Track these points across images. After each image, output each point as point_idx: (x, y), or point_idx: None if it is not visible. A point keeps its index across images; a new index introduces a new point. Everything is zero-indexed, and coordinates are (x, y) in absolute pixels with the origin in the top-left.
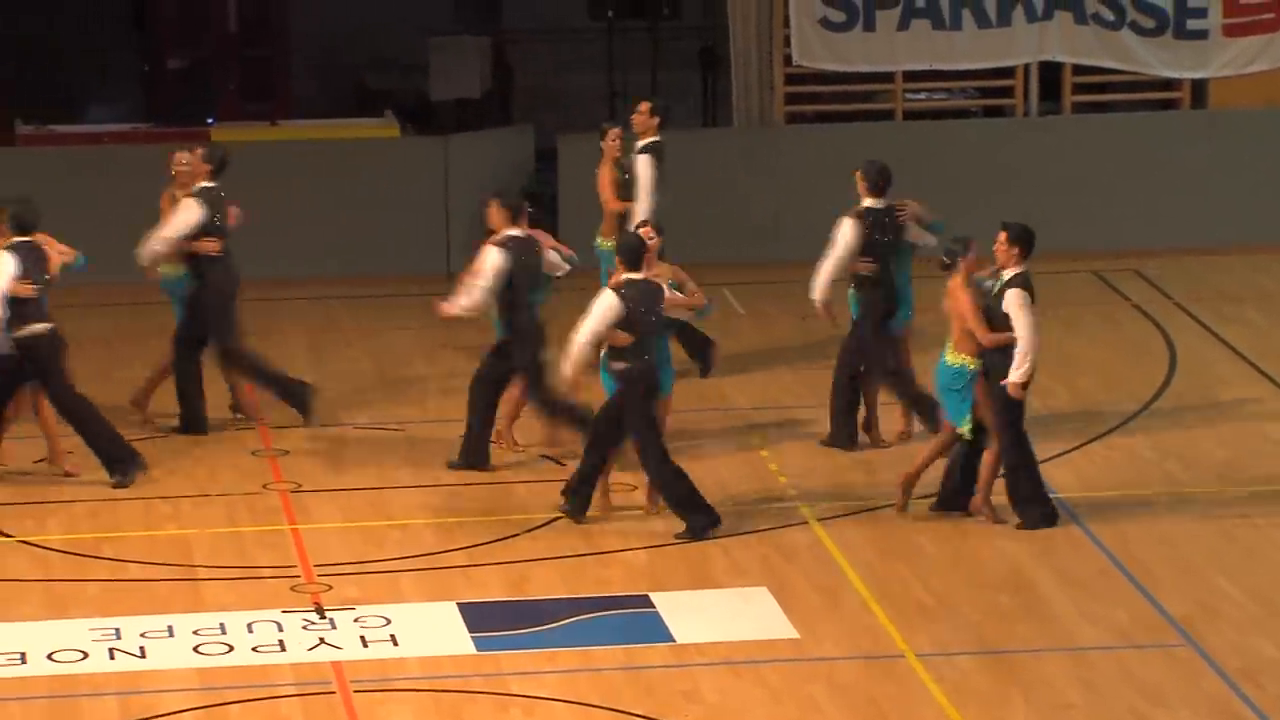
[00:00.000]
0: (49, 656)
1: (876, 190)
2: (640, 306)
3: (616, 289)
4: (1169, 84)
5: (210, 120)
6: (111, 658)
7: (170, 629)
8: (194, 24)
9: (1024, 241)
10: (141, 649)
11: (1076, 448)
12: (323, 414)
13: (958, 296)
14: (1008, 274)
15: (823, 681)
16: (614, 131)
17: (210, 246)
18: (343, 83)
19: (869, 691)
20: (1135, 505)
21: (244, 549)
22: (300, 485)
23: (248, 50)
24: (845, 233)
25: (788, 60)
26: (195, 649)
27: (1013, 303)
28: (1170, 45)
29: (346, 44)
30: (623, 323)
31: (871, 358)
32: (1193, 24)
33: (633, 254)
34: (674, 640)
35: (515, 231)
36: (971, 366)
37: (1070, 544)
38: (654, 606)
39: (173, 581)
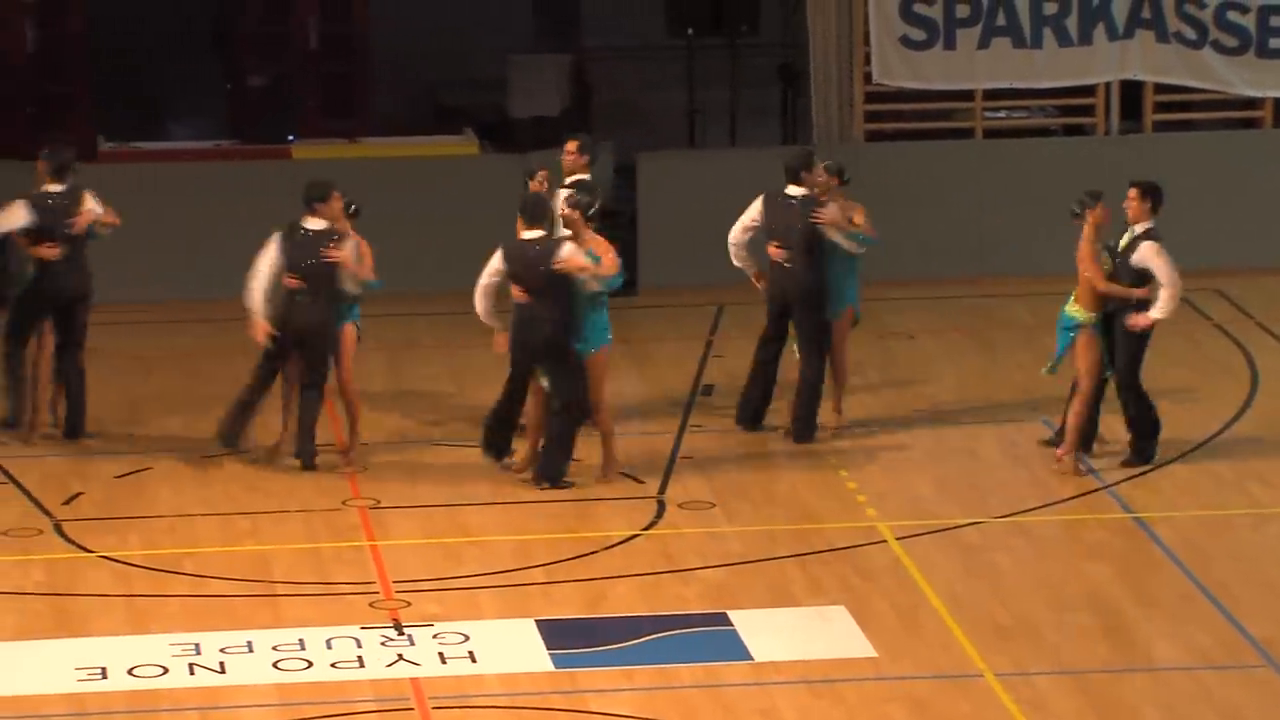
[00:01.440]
0: (130, 671)
1: (794, 178)
2: (522, 265)
3: (503, 245)
4: (1251, 103)
5: (291, 137)
6: (191, 673)
7: (250, 645)
8: (275, 41)
9: (1154, 195)
10: (221, 664)
11: (1157, 467)
12: (402, 431)
13: (1081, 246)
14: (1139, 229)
15: (901, 700)
16: (541, 174)
17: (46, 253)
18: (422, 100)
19: (947, 711)
20: (1216, 525)
21: (323, 565)
22: (379, 501)
23: (328, 67)
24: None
25: (868, 78)
26: (274, 665)
27: (1147, 252)
28: (1252, 64)
29: (426, 61)
30: (511, 277)
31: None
32: (1275, 43)
33: (526, 210)
34: (752, 658)
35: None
36: (1080, 319)
37: (1150, 564)
38: (732, 624)
39: (252, 597)
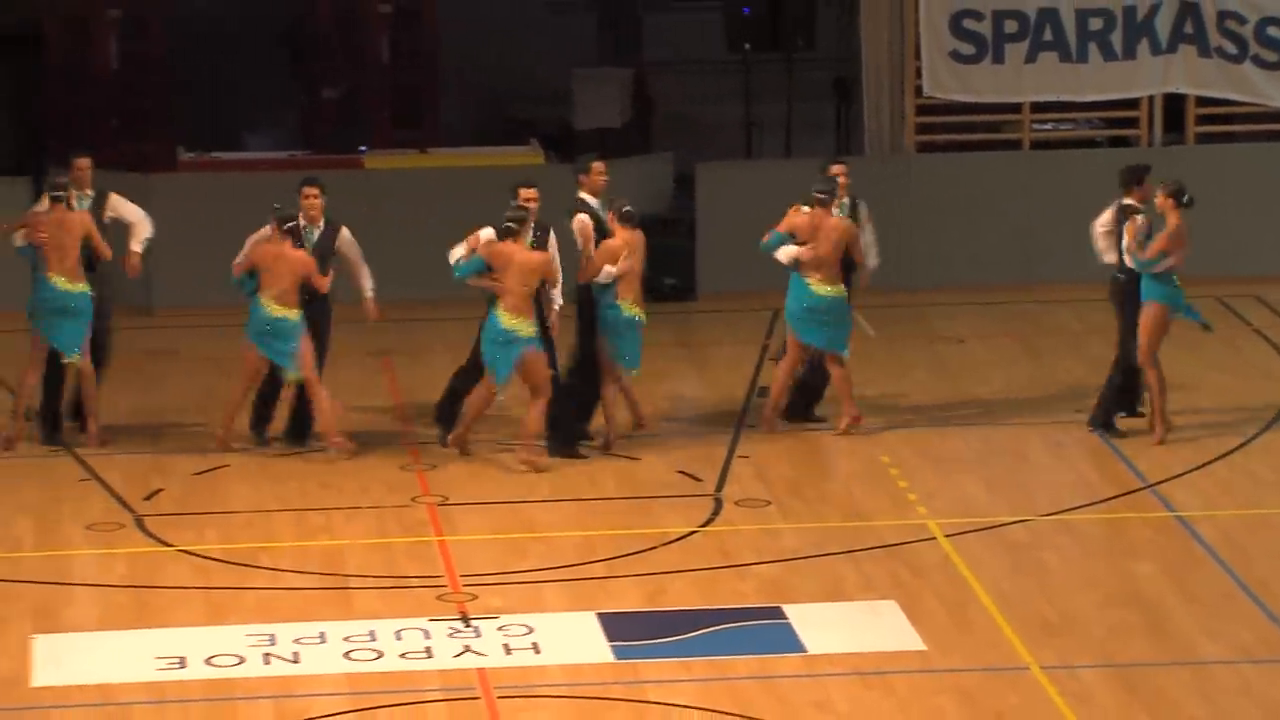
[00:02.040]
0: (207, 661)
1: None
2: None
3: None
4: None
5: (363, 148)
6: (266, 663)
7: (323, 635)
8: (348, 56)
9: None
10: (295, 654)
11: (1198, 467)
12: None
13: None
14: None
15: (950, 692)
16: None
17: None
18: (490, 112)
19: (994, 703)
20: (1255, 524)
21: (393, 559)
22: (447, 498)
23: (399, 81)
24: None
25: (918, 91)
26: (346, 655)
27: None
28: None
29: (494, 75)
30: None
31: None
32: None
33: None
34: (806, 651)
35: None
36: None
37: (1192, 562)
38: (786, 618)
39: (325, 590)
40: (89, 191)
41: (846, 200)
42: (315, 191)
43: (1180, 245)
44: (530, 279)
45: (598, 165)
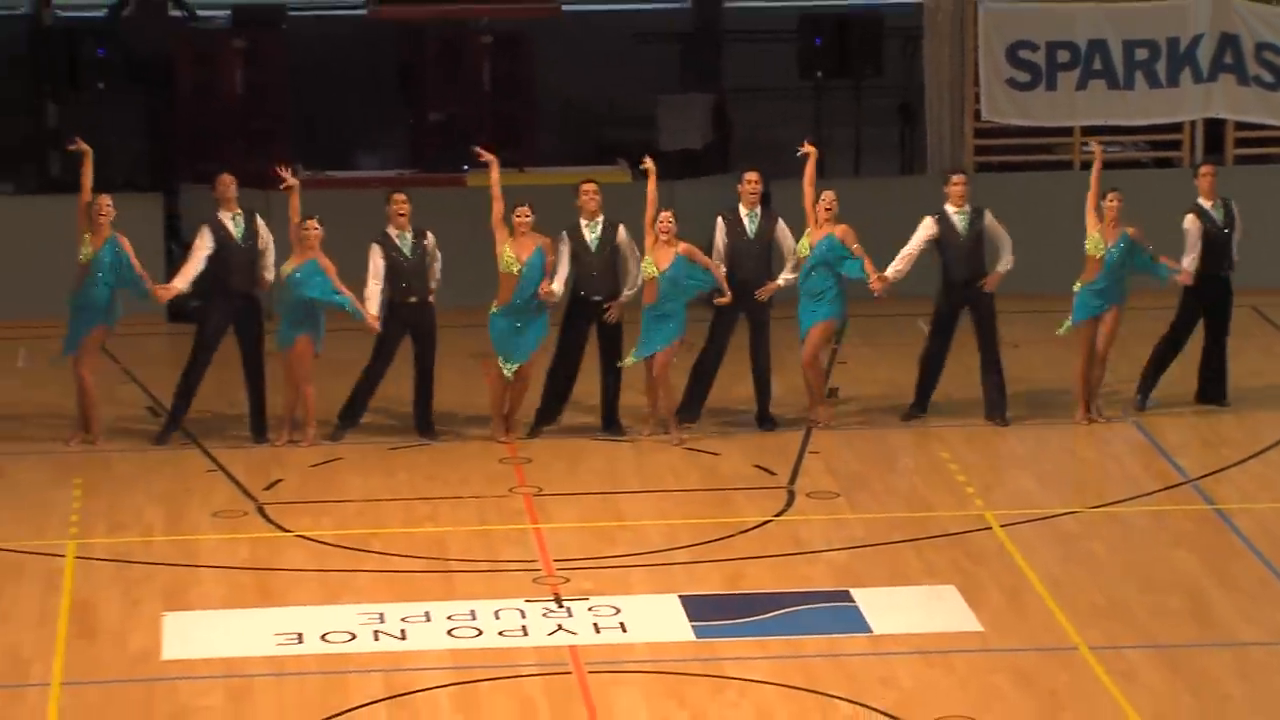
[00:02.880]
0: (322, 637)
1: None
2: None
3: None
4: None
5: (465, 167)
6: (376, 639)
7: (427, 615)
8: (452, 82)
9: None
10: (402, 632)
11: (1237, 464)
12: (563, 426)
13: None
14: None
15: (1006, 671)
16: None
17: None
18: (581, 135)
19: (1046, 681)
20: None
21: (492, 545)
22: (541, 489)
23: (499, 105)
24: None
25: (977, 115)
26: (449, 633)
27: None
28: None
29: (585, 100)
30: None
31: None
32: None
33: None
34: (872, 631)
35: None
36: None
37: (1232, 552)
38: (854, 601)
39: (430, 573)
40: (237, 210)
41: (967, 208)
42: (404, 198)
43: None
44: None
45: (750, 175)
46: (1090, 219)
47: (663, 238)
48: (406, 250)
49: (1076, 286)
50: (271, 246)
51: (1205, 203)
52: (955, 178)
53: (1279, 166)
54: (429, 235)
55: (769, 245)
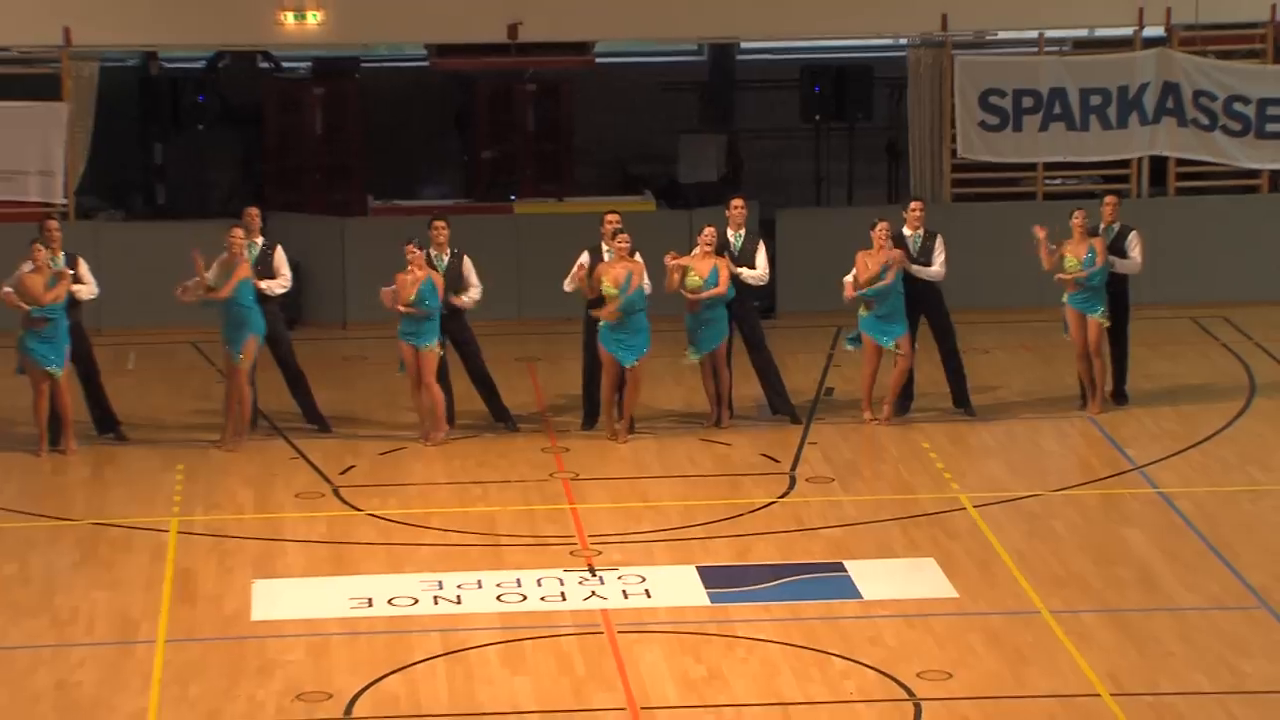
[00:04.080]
0: (389, 601)
1: None
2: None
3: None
4: (1252, 173)
5: (512, 197)
6: (435, 603)
7: (479, 582)
8: (501, 125)
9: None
10: (458, 597)
11: (1177, 453)
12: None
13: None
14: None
15: (978, 631)
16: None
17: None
18: (612, 169)
19: (1013, 640)
20: (1223, 499)
21: (535, 523)
22: (578, 474)
23: (541, 144)
24: None
25: (954, 153)
26: (498, 598)
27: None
28: (1253, 144)
29: (615, 140)
30: None
31: None
32: (1270, 128)
33: None
34: (862, 597)
35: None
36: None
37: (1172, 530)
38: (846, 571)
39: (481, 546)
40: (259, 239)
41: (921, 230)
42: (443, 224)
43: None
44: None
45: (736, 201)
46: (1047, 261)
47: (705, 248)
48: (442, 269)
49: (1065, 298)
50: (285, 272)
51: (1103, 225)
52: (913, 204)
53: (1215, 197)
54: (465, 258)
55: (752, 262)
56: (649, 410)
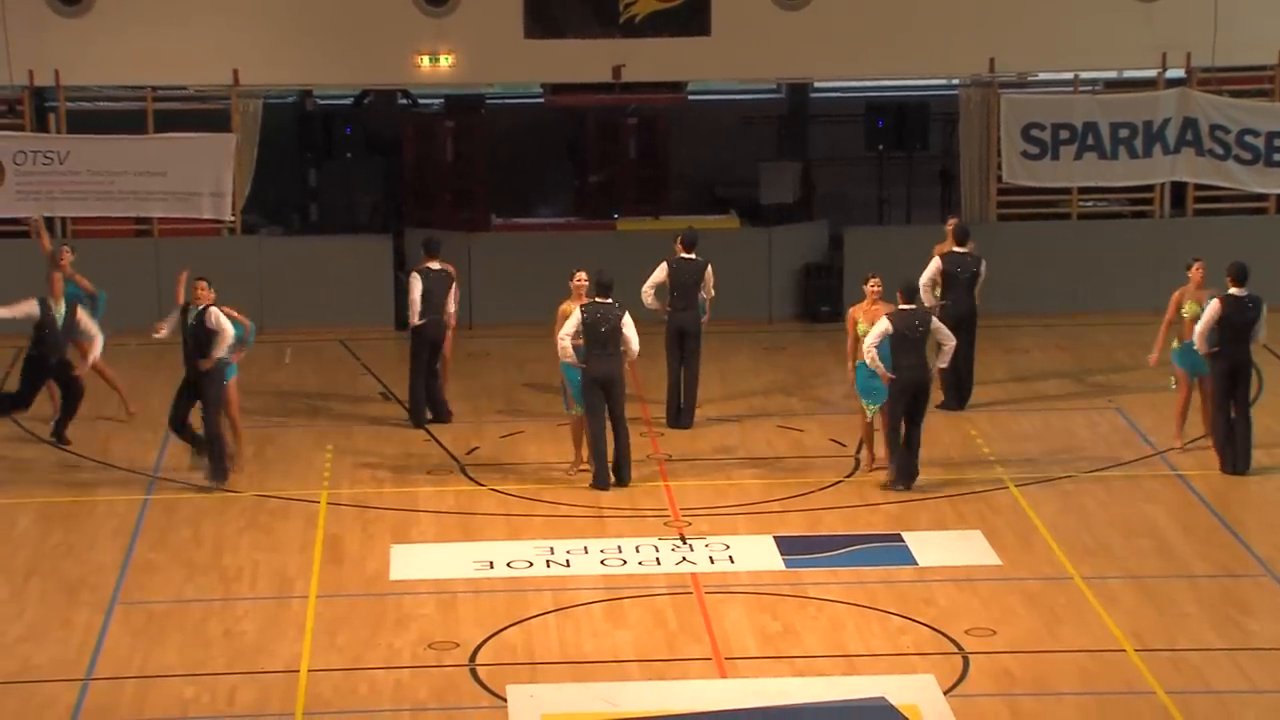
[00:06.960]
0: (507, 564)
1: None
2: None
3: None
4: (1261, 197)
5: (615, 215)
6: (548, 566)
7: (586, 549)
8: (606, 153)
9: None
10: (567, 561)
11: (1194, 441)
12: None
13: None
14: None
15: (1018, 595)
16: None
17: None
18: (701, 192)
19: (1049, 602)
20: (1234, 480)
21: (633, 497)
22: (671, 456)
23: (641, 170)
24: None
25: (999, 178)
26: (601, 562)
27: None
28: (1262, 171)
29: (705, 166)
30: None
31: None
32: (1278, 157)
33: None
34: (917, 564)
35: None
36: None
37: (1188, 506)
38: (904, 541)
39: (587, 518)
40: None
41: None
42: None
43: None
44: None
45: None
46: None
47: (872, 296)
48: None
49: (1176, 344)
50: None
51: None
52: (950, 220)
53: (1227, 218)
54: (450, 269)
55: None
56: (731, 401)
